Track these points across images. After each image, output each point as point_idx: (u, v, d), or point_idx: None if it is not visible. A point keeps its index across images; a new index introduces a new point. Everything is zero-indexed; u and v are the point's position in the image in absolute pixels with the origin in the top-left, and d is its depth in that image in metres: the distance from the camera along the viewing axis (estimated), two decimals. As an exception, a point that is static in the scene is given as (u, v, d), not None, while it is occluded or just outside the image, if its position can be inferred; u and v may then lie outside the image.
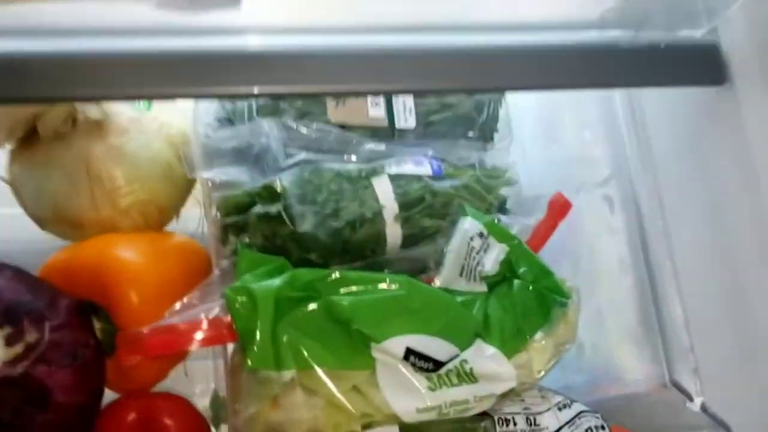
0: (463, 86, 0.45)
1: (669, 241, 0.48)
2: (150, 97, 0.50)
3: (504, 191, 0.62)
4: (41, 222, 0.58)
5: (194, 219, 0.62)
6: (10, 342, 0.42)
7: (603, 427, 0.49)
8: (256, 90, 0.42)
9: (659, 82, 0.44)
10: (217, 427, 0.60)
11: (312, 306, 0.49)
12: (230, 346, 0.53)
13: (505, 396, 0.53)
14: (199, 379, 0.64)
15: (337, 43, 0.39)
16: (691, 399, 0.45)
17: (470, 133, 0.62)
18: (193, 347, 0.49)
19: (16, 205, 0.60)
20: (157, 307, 0.50)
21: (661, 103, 0.50)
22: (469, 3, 0.39)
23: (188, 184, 0.62)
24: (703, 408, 0.44)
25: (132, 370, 0.49)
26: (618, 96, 0.52)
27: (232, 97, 0.49)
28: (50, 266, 0.53)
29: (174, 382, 0.58)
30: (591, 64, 0.41)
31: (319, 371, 0.49)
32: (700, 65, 0.43)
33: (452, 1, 0.38)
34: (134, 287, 0.51)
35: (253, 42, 0.40)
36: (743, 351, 0.45)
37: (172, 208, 0.61)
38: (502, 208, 0.61)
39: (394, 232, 0.56)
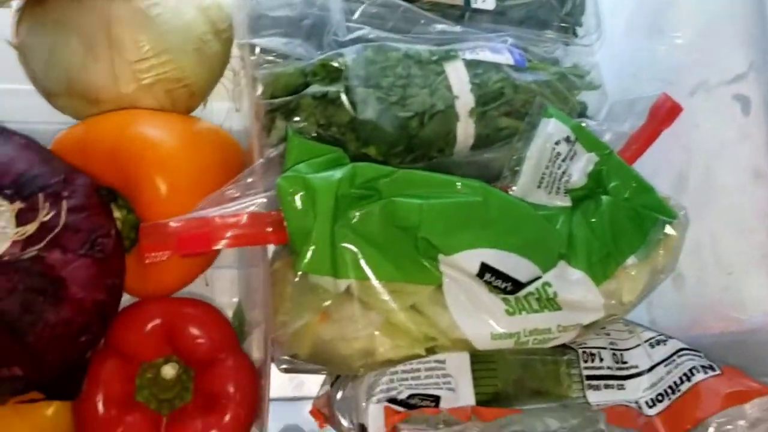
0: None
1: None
2: None
3: (584, 96, 0.53)
4: (51, 95, 0.50)
5: (219, 112, 0.54)
6: (21, 219, 0.34)
7: (711, 367, 0.41)
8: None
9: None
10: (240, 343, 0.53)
11: (374, 207, 0.41)
12: (271, 249, 0.46)
13: (588, 328, 0.45)
14: (221, 290, 0.57)
15: None
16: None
17: (551, 22, 0.53)
18: (229, 246, 0.41)
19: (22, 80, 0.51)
20: (188, 197, 0.42)
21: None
22: None
23: (221, 66, 0.53)
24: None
25: (155, 269, 0.41)
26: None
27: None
28: (61, 143, 0.45)
29: (191, 292, 0.50)
30: None
31: (376, 283, 0.41)
32: None
33: None
34: (162, 172, 0.43)
35: None
36: None
37: (202, 92, 0.52)
38: (583, 114, 0.53)
39: (466, 130, 0.47)
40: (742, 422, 0.38)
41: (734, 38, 0.42)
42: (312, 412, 0.48)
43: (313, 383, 0.52)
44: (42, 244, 0.35)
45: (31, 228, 0.34)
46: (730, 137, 0.43)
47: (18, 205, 0.35)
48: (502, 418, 0.42)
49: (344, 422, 0.44)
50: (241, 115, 0.52)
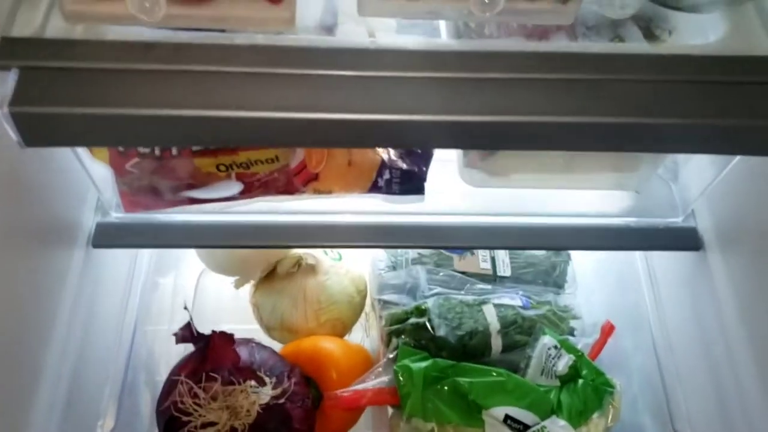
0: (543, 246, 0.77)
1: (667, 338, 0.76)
2: (348, 247, 0.81)
3: (572, 323, 0.91)
4: (269, 330, 0.92)
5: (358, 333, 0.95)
6: (275, 386, 0.74)
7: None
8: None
9: (658, 247, 0.74)
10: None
11: (445, 383, 0.79)
12: (389, 409, 0.83)
13: (571, 455, 0.78)
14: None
15: (465, 222, 0.72)
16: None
17: (546, 282, 0.93)
18: (370, 404, 0.78)
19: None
20: (347, 381, 0.81)
21: (665, 263, 0.80)
22: (541, 200, 0.72)
23: (360, 310, 0.95)
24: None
25: (332, 418, 0.79)
26: (639, 260, 0.83)
27: (399, 247, 0.83)
28: (283, 352, 0.86)
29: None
30: (614, 236, 0.72)
31: (449, 427, 0.77)
32: (684, 238, 0.73)
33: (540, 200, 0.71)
34: (334, 367, 0.82)
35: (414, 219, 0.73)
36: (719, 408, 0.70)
37: (351, 325, 0.93)
38: (570, 334, 0.90)
39: (496, 342, 0.85)
40: None
41: (629, 296, 0.81)
42: None
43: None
44: (283, 399, 0.74)
45: (278, 391, 0.73)
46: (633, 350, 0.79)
47: (273, 379, 0.75)
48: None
49: None
50: (371, 339, 0.92)
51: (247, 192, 0.66)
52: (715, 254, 0.71)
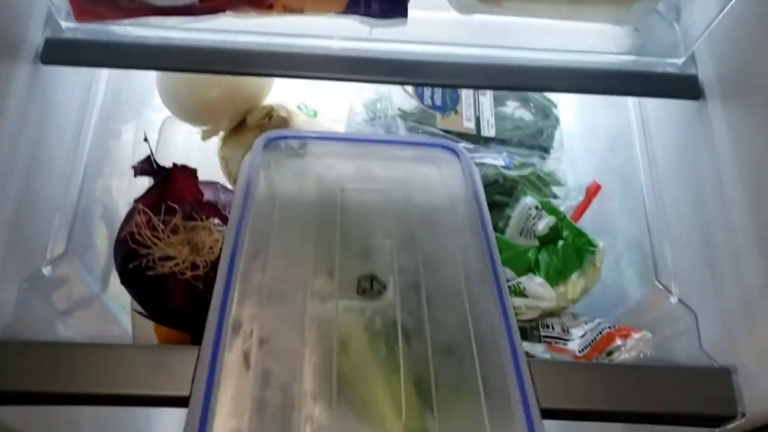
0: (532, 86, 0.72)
1: (659, 196, 0.72)
2: (321, 78, 0.72)
3: (556, 189, 0.87)
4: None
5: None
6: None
7: (612, 326, 0.71)
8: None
9: (656, 93, 0.69)
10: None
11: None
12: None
13: (546, 313, 0.75)
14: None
15: (450, 52, 0.66)
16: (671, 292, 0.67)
17: (532, 146, 0.88)
18: None
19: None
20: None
21: (661, 115, 0.75)
22: (535, 33, 0.66)
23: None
24: (679, 300, 0.66)
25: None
26: (632, 111, 0.78)
27: (378, 81, 0.77)
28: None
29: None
30: (610, 78, 0.67)
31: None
32: (683, 85, 0.68)
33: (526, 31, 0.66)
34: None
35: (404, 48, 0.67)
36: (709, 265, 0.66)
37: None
38: (553, 197, 0.86)
39: (476, 201, 0.81)
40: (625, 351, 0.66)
41: (619, 152, 0.77)
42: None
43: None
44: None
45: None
46: (619, 210, 0.76)
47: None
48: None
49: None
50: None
51: (211, 1, 0.60)
52: (716, 105, 0.67)
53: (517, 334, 0.57)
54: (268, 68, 0.67)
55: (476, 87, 0.82)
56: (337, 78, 0.67)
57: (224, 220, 0.69)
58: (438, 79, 0.68)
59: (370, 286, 0.60)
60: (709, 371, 0.59)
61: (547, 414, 0.53)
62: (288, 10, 0.63)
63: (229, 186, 0.82)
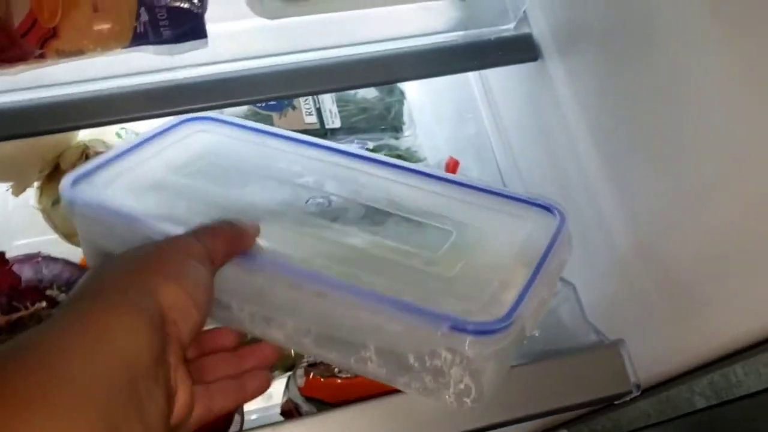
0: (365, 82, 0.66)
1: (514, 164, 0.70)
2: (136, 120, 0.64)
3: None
4: (68, 237, 0.77)
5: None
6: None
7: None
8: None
9: (493, 63, 0.64)
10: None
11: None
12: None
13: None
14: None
15: (272, 63, 0.59)
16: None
17: (383, 128, 0.83)
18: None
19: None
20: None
21: (503, 81, 0.71)
22: (356, 25, 0.59)
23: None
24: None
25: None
26: (474, 85, 0.74)
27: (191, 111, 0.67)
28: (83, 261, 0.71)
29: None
30: (444, 58, 0.62)
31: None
32: (519, 49, 0.64)
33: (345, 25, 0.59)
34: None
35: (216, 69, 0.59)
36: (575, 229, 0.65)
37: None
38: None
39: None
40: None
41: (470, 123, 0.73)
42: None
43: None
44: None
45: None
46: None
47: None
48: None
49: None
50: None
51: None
52: (554, 61, 0.63)
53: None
54: (61, 123, 0.57)
55: (308, 94, 0.74)
56: (139, 117, 0.58)
57: (51, 301, 0.60)
58: (262, 93, 0.60)
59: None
60: (598, 351, 0.57)
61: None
62: (64, 54, 0.53)
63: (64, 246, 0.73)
